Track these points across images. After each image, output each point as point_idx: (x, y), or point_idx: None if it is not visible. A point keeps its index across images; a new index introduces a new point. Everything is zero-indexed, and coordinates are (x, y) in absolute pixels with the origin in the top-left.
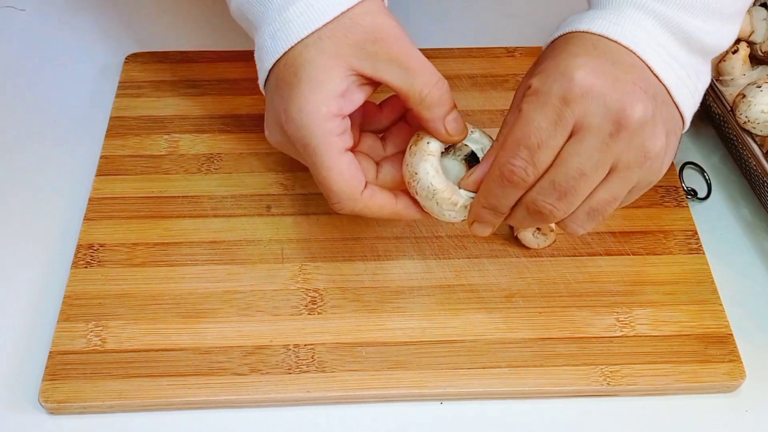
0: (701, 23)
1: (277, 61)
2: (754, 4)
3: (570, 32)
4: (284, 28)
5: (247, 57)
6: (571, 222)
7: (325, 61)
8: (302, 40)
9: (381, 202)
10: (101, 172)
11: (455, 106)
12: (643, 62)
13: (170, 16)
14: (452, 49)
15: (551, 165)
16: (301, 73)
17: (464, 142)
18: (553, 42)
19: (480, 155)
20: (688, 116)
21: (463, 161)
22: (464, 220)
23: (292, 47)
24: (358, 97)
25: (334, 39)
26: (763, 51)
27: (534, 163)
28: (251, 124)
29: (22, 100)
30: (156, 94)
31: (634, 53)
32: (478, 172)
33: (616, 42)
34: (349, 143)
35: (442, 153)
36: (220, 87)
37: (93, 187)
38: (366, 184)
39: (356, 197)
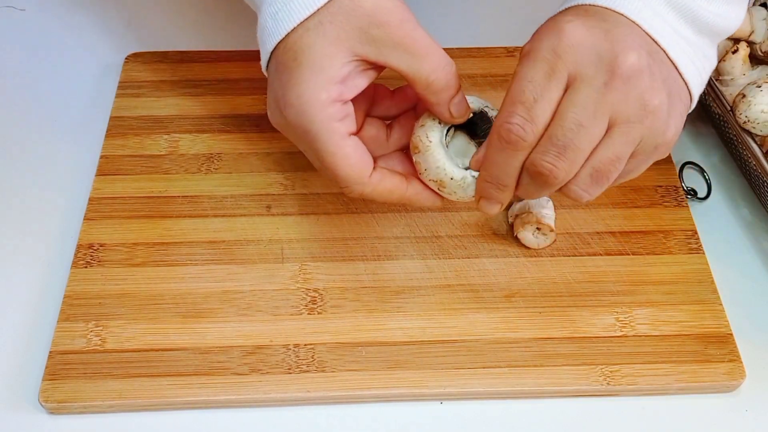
0: (707, 3)
1: (279, 43)
2: (753, 4)
3: (571, 6)
4: (285, 8)
5: (247, 57)
6: (574, 186)
7: (326, 47)
8: (303, 22)
9: (390, 186)
10: (101, 172)
11: (460, 88)
12: (639, 27)
13: (170, 16)
14: (452, 49)
15: (549, 122)
16: (301, 57)
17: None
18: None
19: (489, 113)
20: (696, 93)
21: (472, 139)
22: (470, 199)
23: (293, 30)
24: (361, 82)
25: (336, 23)
26: (763, 51)
27: (531, 118)
28: (251, 124)
29: (22, 100)
30: (156, 94)
31: (629, 18)
32: (482, 150)
33: (611, 10)
34: (352, 128)
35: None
36: (220, 87)
37: (93, 187)
38: (375, 168)
39: (364, 181)
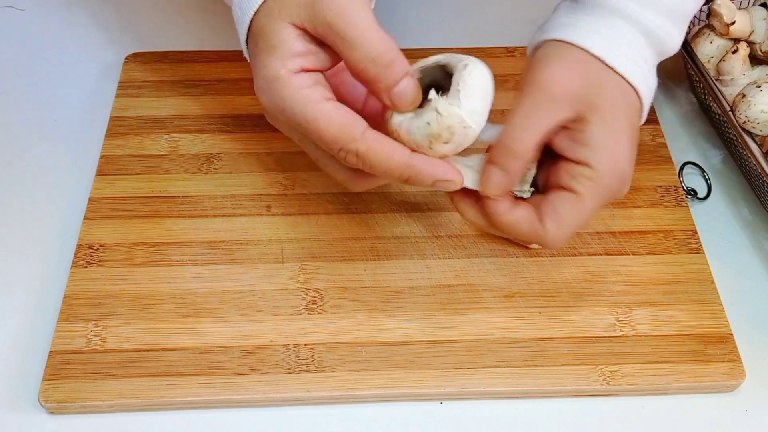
0: (672, 29)
1: (247, 32)
2: (753, 4)
3: (602, 59)
4: None
5: None
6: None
7: (272, 25)
8: (258, 9)
9: (390, 149)
10: (101, 172)
11: (406, 74)
12: (632, 87)
13: (170, 16)
14: (452, 49)
15: None
16: (259, 41)
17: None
18: (579, 50)
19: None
20: (644, 117)
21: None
22: (444, 136)
23: (253, 17)
24: (324, 57)
25: (278, 2)
26: (762, 51)
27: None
28: (251, 124)
29: (22, 100)
30: (156, 94)
31: (628, 82)
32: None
33: (616, 73)
34: (327, 94)
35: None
36: (220, 87)
37: (93, 187)
38: (368, 128)
39: (356, 137)
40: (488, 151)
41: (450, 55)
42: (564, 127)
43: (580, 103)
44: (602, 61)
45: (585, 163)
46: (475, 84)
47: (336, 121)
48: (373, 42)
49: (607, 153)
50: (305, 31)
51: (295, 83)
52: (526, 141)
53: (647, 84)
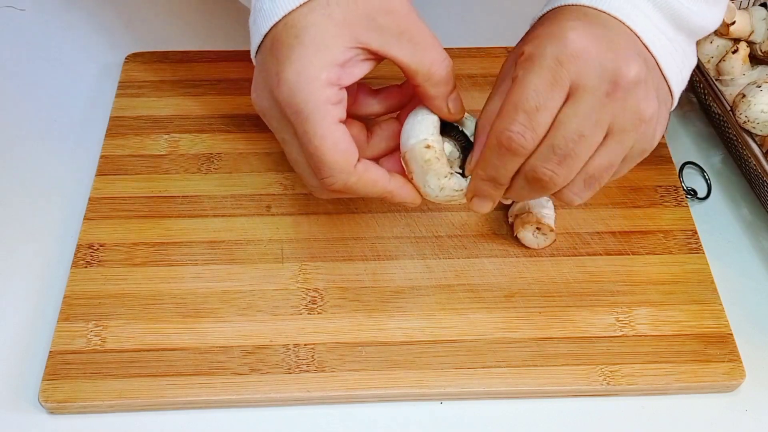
0: (688, 2)
1: (276, 23)
2: (753, 4)
3: (560, 6)
4: None
5: (247, 57)
6: (568, 191)
7: (332, 28)
8: (308, 2)
9: (375, 177)
10: (101, 172)
11: (456, 86)
12: (634, 33)
13: (170, 16)
14: (452, 49)
15: (549, 129)
16: (303, 35)
17: (460, 127)
18: (542, 15)
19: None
20: (677, 91)
21: (456, 145)
22: (450, 200)
23: (296, 9)
24: (359, 71)
25: (344, 6)
26: (762, 51)
27: (533, 127)
28: (251, 124)
29: (22, 100)
30: (156, 94)
31: (625, 24)
32: (476, 150)
33: (606, 13)
34: (343, 116)
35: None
36: (220, 87)
37: (93, 187)
38: (359, 159)
39: (350, 170)
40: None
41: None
42: None
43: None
44: (597, 9)
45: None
46: None
47: (340, 147)
48: (439, 48)
49: (538, 35)
50: (360, 46)
51: (327, 94)
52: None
53: (655, 36)
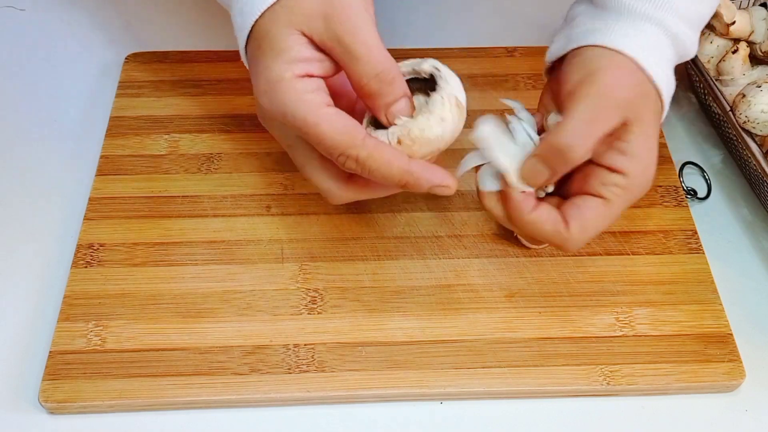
0: (693, 34)
1: (247, 38)
2: (753, 4)
3: (611, 48)
4: (249, 2)
5: None
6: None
7: (279, 29)
8: (262, 13)
9: (389, 156)
10: (101, 172)
11: (405, 95)
12: (655, 88)
13: (170, 16)
14: (452, 49)
15: None
16: (263, 45)
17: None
18: (625, 57)
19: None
20: (667, 108)
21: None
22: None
23: (256, 21)
24: (328, 65)
25: (287, 8)
26: (762, 51)
27: (584, 242)
28: (251, 124)
29: (22, 100)
30: (156, 94)
31: (656, 88)
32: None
33: (639, 66)
34: (328, 100)
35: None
36: (220, 87)
37: (93, 187)
38: (367, 135)
39: (357, 143)
40: (540, 146)
41: (419, 63)
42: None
43: (629, 111)
44: (643, 70)
45: (620, 171)
46: (445, 99)
47: (338, 126)
48: (379, 60)
49: (642, 163)
50: (311, 41)
51: (299, 87)
52: (584, 148)
53: (668, 88)
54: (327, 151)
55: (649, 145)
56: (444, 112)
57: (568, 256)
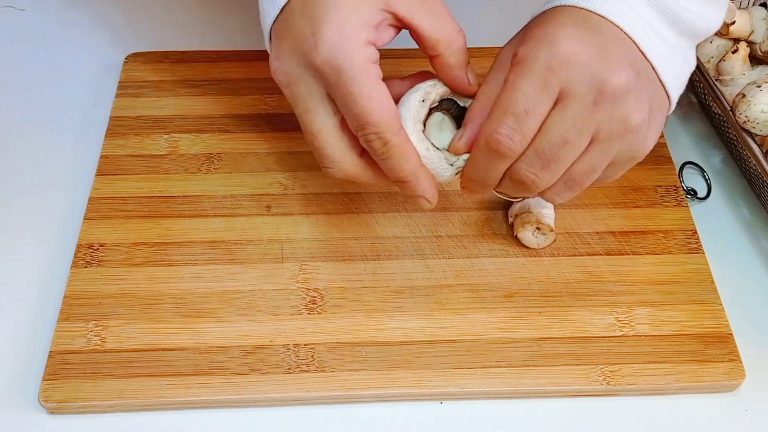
0: (688, 4)
1: None
2: (753, 4)
3: (558, 5)
4: None
5: (247, 57)
6: (549, 192)
7: None
8: None
9: (411, 152)
10: (101, 172)
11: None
12: (630, 39)
13: (170, 16)
14: None
15: (536, 134)
16: None
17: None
18: (541, 13)
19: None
20: (674, 96)
21: (451, 117)
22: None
23: None
24: (387, 36)
25: None
26: (762, 51)
27: (521, 130)
28: (251, 124)
29: (22, 100)
30: (156, 94)
31: (622, 29)
32: (465, 136)
33: (604, 17)
34: (382, 75)
35: (431, 109)
36: (220, 87)
37: (93, 187)
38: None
39: (395, 130)
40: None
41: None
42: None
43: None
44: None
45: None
46: None
47: (388, 106)
48: (455, 20)
49: (530, 38)
50: (389, 10)
51: (368, 52)
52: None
53: (652, 42)
54: (362, 123)
55: (542, 28)
56: None
57: (568, 255)
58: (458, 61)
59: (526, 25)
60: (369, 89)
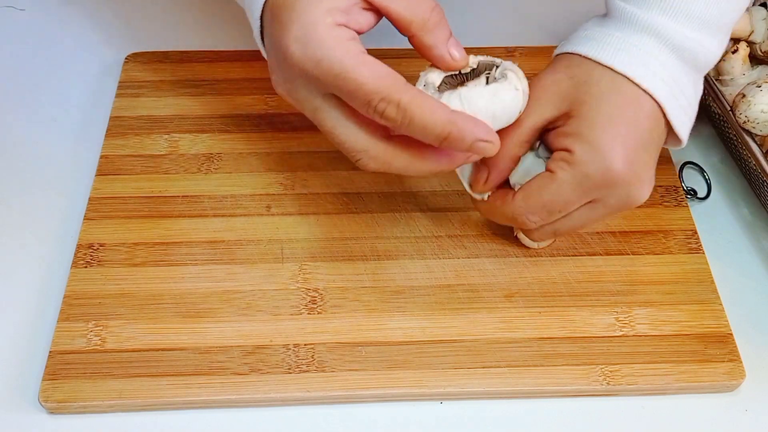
0: (705, 39)
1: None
2: (753, 4)
3: (593, 60)
4: None
5: (247, 57)
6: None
7: None
8: None
9: (432, 103)
10: (101, 172)
11: (450, 36)
12: (657, 104)
13: (170, 16)
14: None
15: None
16: None
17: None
18: (574, 56)
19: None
20: (685, 138)
21: (484, 80)
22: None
23: None
24: (363, 20)
25: None
26: (762, 51)
27: (548, 219)
28: (251, 124)
29: (22, 100)
30: (156, 94)
31: (651, 96)
32: (490, 182)
33: (631, 80)
34: (364, 49)
35: (459, 85)
36: (220, 87)
37: (93, 187)
38: (408, 83)
39: (399, 87)
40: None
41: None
42: (554, 127)
43: (564, 101)
44: (598, 62)
45: (565, 149)
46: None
47: (380, 70)
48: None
49: (588, 142)
50: None
51: (337, 34)
52: (507, 147)
53: (673, 96)
54: (366, 98)
55: (598, 127)
56: (517, 83)
57: (568, 255)
58: (435, 39)
59: (568, 59)
60: (353, 64)
